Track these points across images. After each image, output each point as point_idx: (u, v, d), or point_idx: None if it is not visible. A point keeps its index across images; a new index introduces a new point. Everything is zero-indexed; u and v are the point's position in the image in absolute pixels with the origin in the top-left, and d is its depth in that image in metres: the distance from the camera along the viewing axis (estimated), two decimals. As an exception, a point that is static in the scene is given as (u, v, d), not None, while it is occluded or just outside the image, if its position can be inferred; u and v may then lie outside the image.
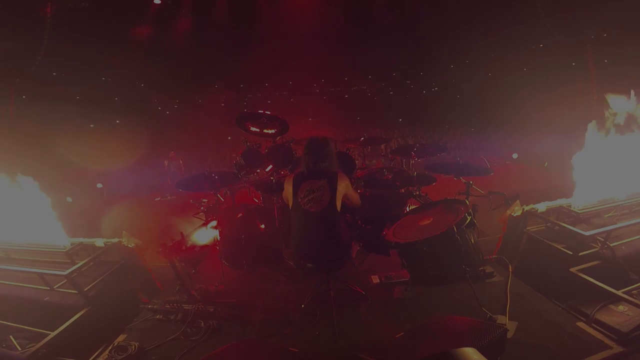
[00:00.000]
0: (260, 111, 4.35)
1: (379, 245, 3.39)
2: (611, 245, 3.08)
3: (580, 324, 2.65)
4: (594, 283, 2.80)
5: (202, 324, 2.99)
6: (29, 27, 9.06)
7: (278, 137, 4.61)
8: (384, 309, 3.10)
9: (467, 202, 3.10)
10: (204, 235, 4.01)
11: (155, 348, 2.81)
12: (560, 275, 3.02)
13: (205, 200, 4.33)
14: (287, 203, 3.14)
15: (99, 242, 3.54)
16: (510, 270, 3.34)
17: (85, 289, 3.12)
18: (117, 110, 15.24)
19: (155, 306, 3.23)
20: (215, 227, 3.81)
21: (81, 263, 3.26)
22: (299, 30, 13.93)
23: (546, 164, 7.84)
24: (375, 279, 3.53)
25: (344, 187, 2.97)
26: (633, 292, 2.75)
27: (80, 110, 13.20)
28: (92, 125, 13.76)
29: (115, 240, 3.56)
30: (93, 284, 3.25)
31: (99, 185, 5.65)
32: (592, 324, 2.62)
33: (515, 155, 9.02)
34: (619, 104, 3.25)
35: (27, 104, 11.14)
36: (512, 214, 3.52)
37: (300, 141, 5.35)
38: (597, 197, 3.39)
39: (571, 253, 3.02)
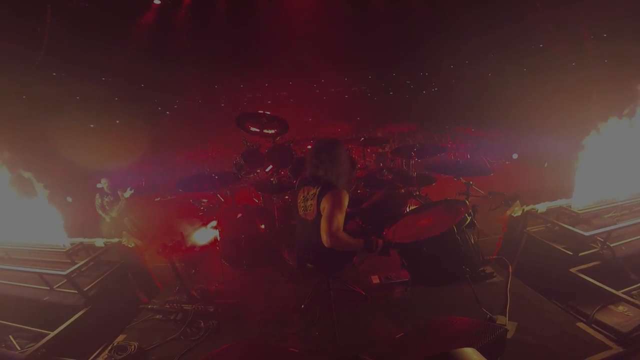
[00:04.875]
0: (260, 111, 4.35)
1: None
2: (611, 245, 3.08)
3: (580, 325, 2.65)
4: (593, 283, 2.80)
5: (202, 324, 2.99)
6: (29, 27, 9.06)
7: (278, 138, 4.61)
8: (383, 309, 3.10)
9: (467, 202, 3.09)
10: (204, 235, 4.02)
11: (155, 348, 2.81)
12: (560, 275, 3.02)
13: (206, 201, 4.34)
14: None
15: (99, 242, 3.54)
16: (510, 270, 3.33)
17: (85, 289, 3.12)
18: (117, 110, 15.26)
19: (155, 306, 3.23)
20: (215, 227, 3.81)
21: (81, 263, 3.26)
22: (300, 31, 13.95)
23: (546, 164, 7.84)
24: (375, 279, 3.53)
25: (325, 203, 2.60)
26: (633, 292, 2.75)
27: (80, 110, 13.22)
28: (92, 125, 13.78)
29: (115, 240, 3.56)
30: (93, 283, 3.25)
31: (99, 185, 5.63)
32: (592, 325, 2.62)
33: (515, 156, 9.02)
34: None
35: (27, 103, 11.15)
36: (512, 214, 3.52)
37: (300, 141, 5.36)
38: (597, 197, 3.39)
39: (571, 253, 3.02)
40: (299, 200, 2.87)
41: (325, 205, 2.60)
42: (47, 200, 3.42)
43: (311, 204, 2.72)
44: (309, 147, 3.08)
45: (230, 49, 15.40)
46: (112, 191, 5.57)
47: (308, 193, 2.78)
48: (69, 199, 7.02)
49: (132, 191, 5.58)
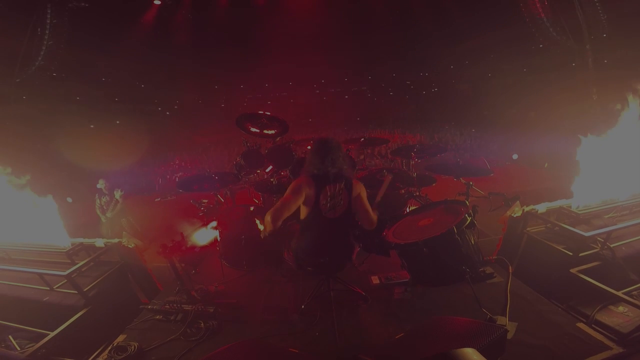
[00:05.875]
0: (260, 112, 4.35)
1: (379, 246, 3.39)
2: (611, 246, 3.08)
3: (580, 325, 2.65)
4: (594, 284, 2.80)
5: (202, 324, 2.99)
6: (29, 28, 9.06)
7: (278, 138, 4.61)
8: (384, 310, 3.10)
9: (467, 202, 3.09)
10: (204, 235, 4.02)
11: (155, 348, 2.81)
12: (560, 276, 3.02)
13: (206, 201, 4.33)
14: (304, 208, 2.86)
15: (99, 242, 3.54)
16: (510, 271, 3.33)
17: (85, 289, 3.12)
18: (117, 110, 15.28)
19: (155, 306, 3.23)
20: (215, 228, 3.81)
21: (81, 263, 3.26)
22: (300, 32, 13.96)
23: (546, 164, 7.85)
24: (375, 280, 3.53)
25: (357, 192, 2.86)
26: (633, 293, 2.75)
27: (81, 110, 13.22)
28: (92, 126, 13.78)
29: (116, 240, 3.56)
30: (93, 284, 3.25)
31: (99, 186, 5.63)
32: (592, 325, 2.62)
33: (515, 156, 9.03)
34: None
35: (27, 104, 11.14)
36: (512, 214, 3.52)
37: (300, 142, 5.36)
38: (597, 197, 3.39)
39: (571, 254, 3.02)
40: (322, 202, 2.79)
41: (357, 194, 2.86)
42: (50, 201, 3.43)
43: (341, 199, 2.81)
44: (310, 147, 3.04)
45: (231, 50, 15.42)
46: (109, 191, 5.57)
47: (335, 190, 2.80)
48: (69, 199, 7.02)
49: (122, 192, 5.58)
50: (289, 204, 2.73)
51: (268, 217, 2.70)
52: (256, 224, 3.50)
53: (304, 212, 2.88)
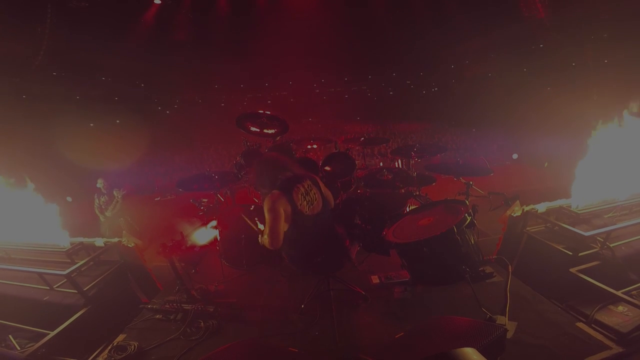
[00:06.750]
0: (260, 111, 4.36)
1: (379, 245, 3.38)
2: (611, 245, 3.08)
3: (580, 325, 2.65)
4: (593, 283, 2.80)
5: (202, 324, 2.99)
6: (29, 27, 9.06)
7: (278, 137, 4.62)
8: (383, 309, 3.10)
9: (467, 202, 3.09)
10: (204, 235, 4.01)
11: (155, 348, 2.81)
12: (560, 275, 3.02)
13: (206, 200, 4.33)
14: (288, 226, 2.75)
15: (99, 241, 3.54)
16: (510, 270, 3.33)
17: (84, 289, 3.12)
18: (117, 109, 15.28)
19: (155, 306, 3.23)
20: (215, 227, 3.81)
21: (81, 263, 3.26)
22: (299, 31, 13.95)
23: (546, 164, 7.85)
24: (375, 279, 3.53)
25: (321, 183, 2.99)
26: (633, 292, 2.75)
27: (80, 110, 13.23)
28: (92, 125, 13.78)
29: (115, 240, 3.56)
30: (93, 283, 3.25)
31: (98, 185, 5.63)
32: (592, 325, 2.62)
33: (515, 156, 9.03)
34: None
35: (27, 103, 11.14)
36: (512, 214, 3.52)
37: (300, 141, 5.36)
38: (597, 197, 3.39)
39: (571, 253, 3.02)
40: (298, 203, 2.71)
41: (321, 182, 2.97)
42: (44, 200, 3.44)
43: (315, 192, 2.84)
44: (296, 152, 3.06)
45: (231, 49, 15.41)
46: (108, 191, 5.57)
47: (304, 188, 2.78)
48: (69, 199, 7.03)
49: (124, 192, 5.57)
50: (277, 226, 2.64)
51: (266, 243, 2.70)
52: (256, 223, 3.50)
53: (286, 225, 2.75)
